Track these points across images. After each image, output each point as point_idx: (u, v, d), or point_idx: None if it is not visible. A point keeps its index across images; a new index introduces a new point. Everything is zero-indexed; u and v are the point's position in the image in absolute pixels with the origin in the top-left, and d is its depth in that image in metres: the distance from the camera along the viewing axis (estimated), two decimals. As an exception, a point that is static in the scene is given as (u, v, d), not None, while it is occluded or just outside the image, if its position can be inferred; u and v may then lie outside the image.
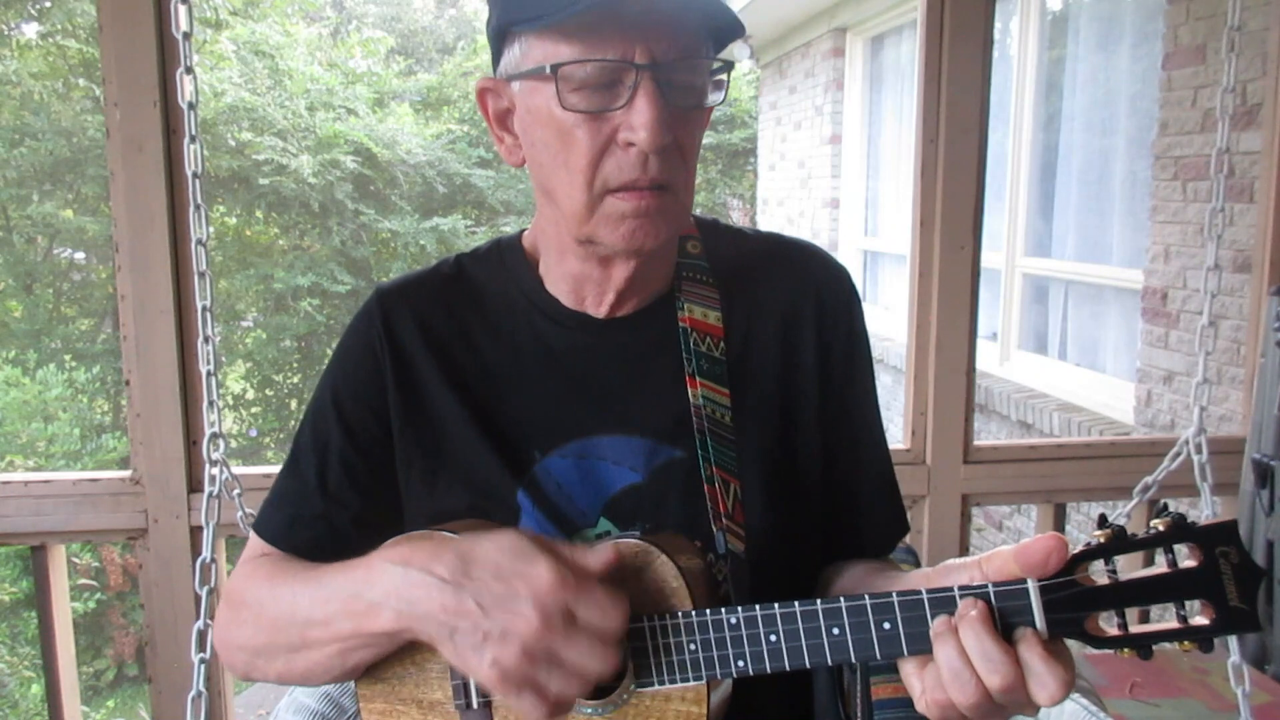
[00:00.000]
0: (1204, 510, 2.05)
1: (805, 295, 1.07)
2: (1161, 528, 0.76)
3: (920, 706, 0.81)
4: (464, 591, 0.82)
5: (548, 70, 0.89)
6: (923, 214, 2.35)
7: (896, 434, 6.02)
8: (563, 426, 1.01)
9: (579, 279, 1.02)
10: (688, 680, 0.88)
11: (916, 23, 2.40)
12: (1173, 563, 0.76)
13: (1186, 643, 0.76)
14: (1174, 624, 0.76)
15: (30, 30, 9.73)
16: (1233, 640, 1.94)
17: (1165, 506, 0.77)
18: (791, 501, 1.03)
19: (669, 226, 0.95)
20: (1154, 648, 0.78)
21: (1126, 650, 0.76)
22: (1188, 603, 0.76)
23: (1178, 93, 3.58)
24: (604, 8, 0.85)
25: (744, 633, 0.85)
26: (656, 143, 0.88)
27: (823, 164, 7.41)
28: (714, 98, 0.94)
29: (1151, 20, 3.93)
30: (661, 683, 0.88)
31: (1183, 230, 3.58)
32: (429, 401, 1.04)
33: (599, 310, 1.03)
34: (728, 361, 1.03)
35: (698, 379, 1.01)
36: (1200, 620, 0.76)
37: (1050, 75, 4.82)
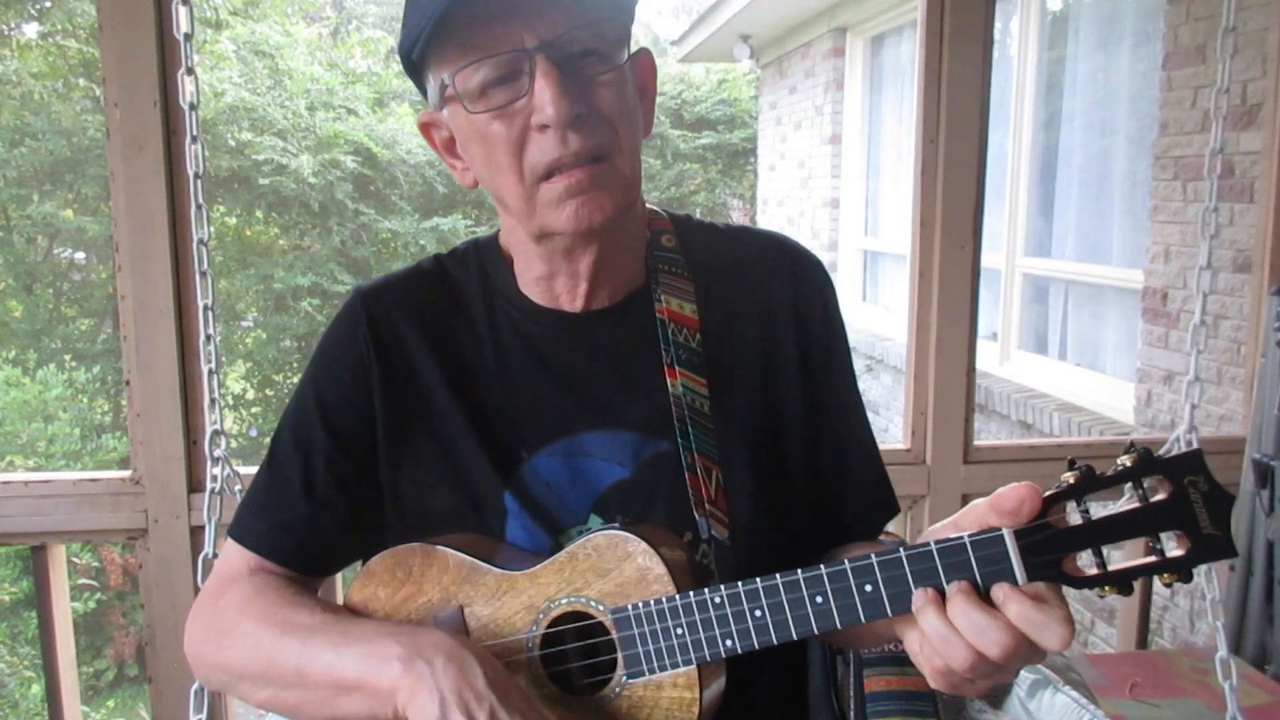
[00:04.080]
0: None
1: (780, 286, 1.07)
2: (1129, 463, 0.76)
3: (926, 674, 0.81)
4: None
5: (447, 81, 0.90)
6: (923, 214, 2.35)
7: (896, 434, 6.03)
8: (549, 425, 1.01)
9: (549, 277, 1.02)
10: (678, 666, 0.87)
11: (916, 23, 2.40)
12: (1143, 497, 0.76)
13: (1167, 575, 0.75)
14: (1152, 558, 0.76)
15: (30, 30, 9.74)
16: (1221, 635, 1.94)
17: (1132, 444, 0.77)
18: (775, 487, 1.03)
19: (613, 198, 0.94)
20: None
21: (1107, 588, 0.76)
22: (1163, 535, 0.76)
23: (1178, 93, 3.58)
24: (466, 7, 0.86)
25: (729, 610, 0.85)
26: (564, 116, 0.88)
27: (823, 164, 7.41)
28: (620, 57, 0.93)
29: (1151, 20, 3.93)
30: (652, 671, 0.88)
31: (1183, 230, 3.58)
32: (416, 402, 1.03)
33: (574, 304, 1.03)
34: (704, 352, 1.03)
35: (677, 368, 1.02)
36: (1176, 551, 0.76)
37: (1050, 75, 4.82)
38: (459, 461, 1.01)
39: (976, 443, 2.41)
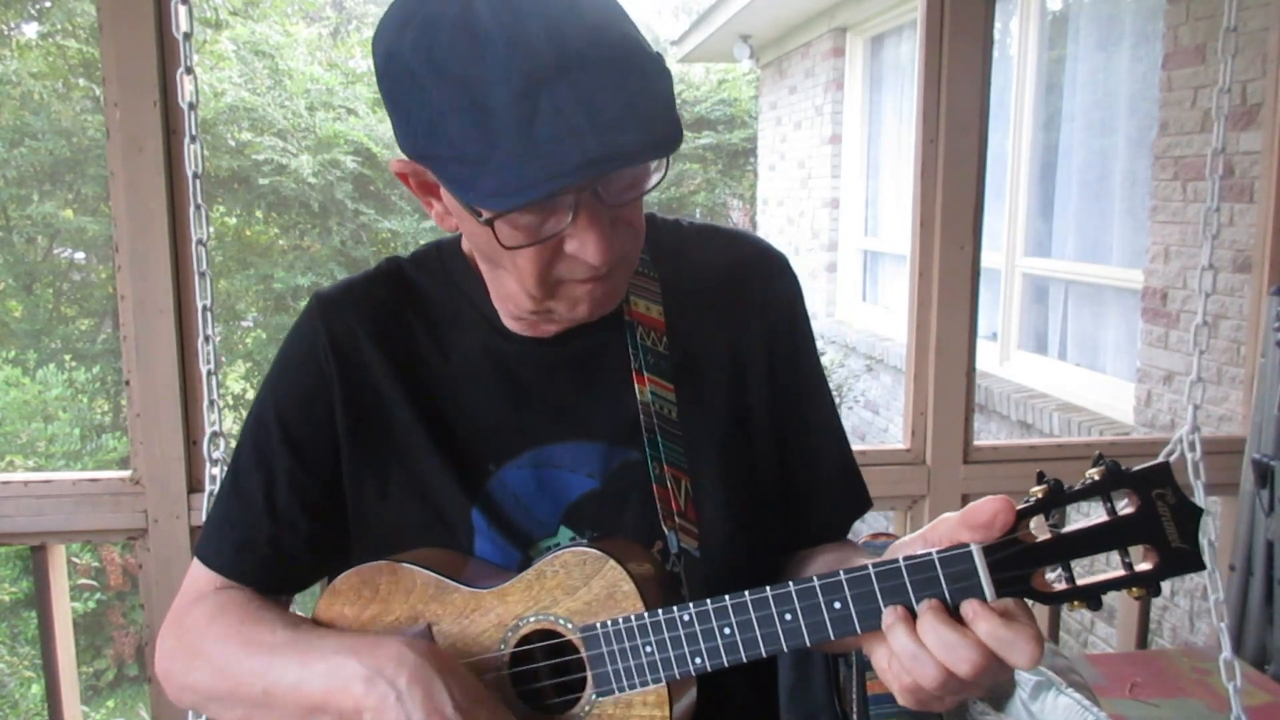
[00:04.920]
0: (1200, 508, 2.06)
1: (746, 285, 1.05)
2: (1097, 476, 0.75)
3: (894, 691, 0.80)
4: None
5: (481, 220, 0.83)
6: (923, 214, 2.35)
7: (896, 434, 6.04)
8: (517, 437, 0.99)
9: (528, 320, 0.98)
10: (647, 684, 0.87)
11: (916, 23, 2.40)
12: (1111, 510, 0.75)
13: (1135, 589, 0.75)
14: (1120, 572, 0.75)
15: (30, 30, 9.74)
16: (1226, 637, 1.94)
17: (1100, 456, 0.77)
18: (745, 493, 1.01)
19: (623, 289, 0.94)
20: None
21: (1076, 603, 0.76)
22: (1132, 549, 0.75)
23: (1178, 93, 3.58)
24: (545, 191, 0.77)
25: (698, 628, 0.84)
26: (607, 260, 0.84)
27: (823, 164, 7.41)
28: (655, 177, 0.88)
29: (1151, 20, 3.93)
30: (621, 689, 0.87)
31: (1183, 230, 3.58)
32: (378, 416, 0.99)
33: (546, 334, 1.00)
34: (671, 356, 1.01)
35: (645, 374, 0.99)
36: (1144, 565, 0.75)
37: (1050, 75, 4.83)
38: (424, 477, 0.98)
39: (976, 443, 2.41)
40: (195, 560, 1.04)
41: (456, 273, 1.03)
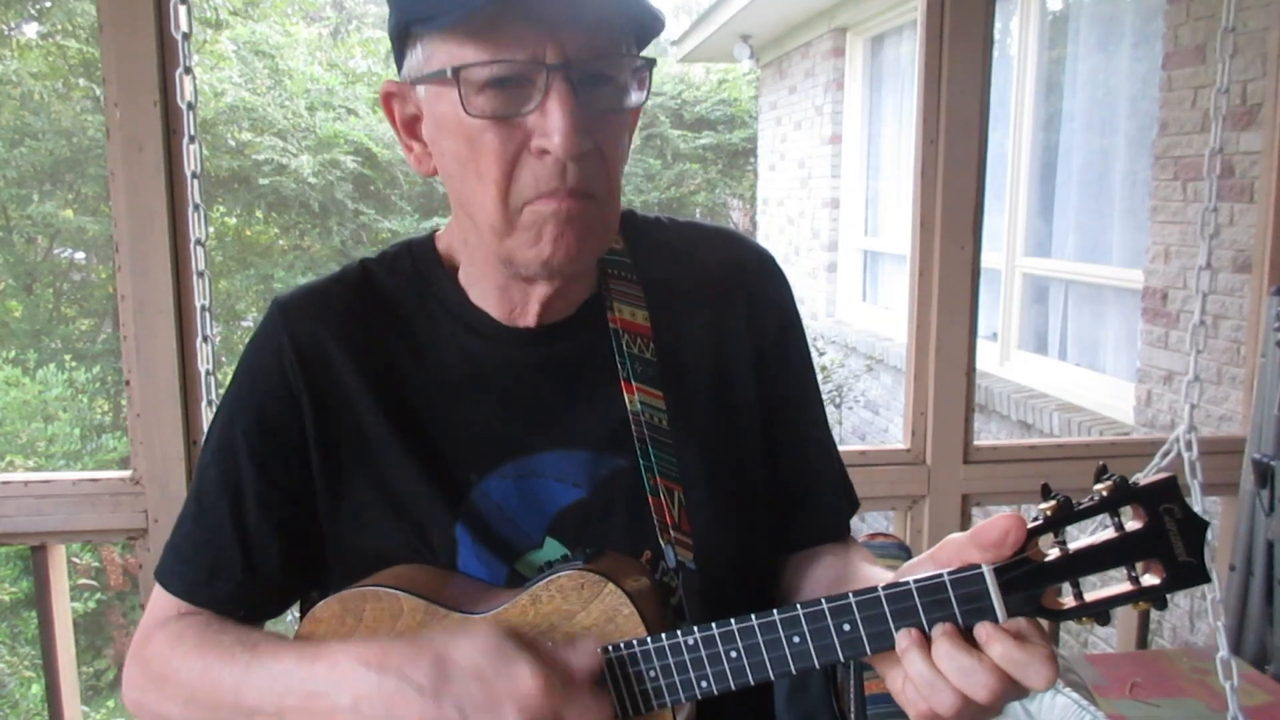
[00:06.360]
0: (1196, 508, 2.05)
1: (732, 284, 1.03)
2: (1105, 492, 0.75)
3: (911, 716, 0.80)
4: (444, 700, 0.79)
5: (449, 74, 0.82)
6: (923, 214, 2.35)
7: (896, 434, 6.03)
8: (498, 447, 0.95)
9: (504, 289, 0.95)
10: (651, 709, 0.85)
11: (916, 23, 2.40)
12: (1119, 526, 0.75)
13: (1142, 603, 0.76)
14: (1127, 586, 0.76)
15: (30, 30, 9.75)
16: (1223, 635, 1.94)
17: (1105, 468, 0.77)
18: (737, 500, 0.99)
19: (592, 239, 0.89)
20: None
21: (1085, 619, 0.76)
22: (1138, 563, 0.76)
23: (1178, 93, 3.58)
24: (506, 4, 0.79)
25: (703, 653, 0.82)
26: (572, 149, 0.82)
27: (823, 164, 7.41)
28: (636, 98, 0.87)
29: (1151, 20, 3.93)
30: (625, 715, 0.85)
31: (1183, 230, 3.58)
32: (352, 427, 0.95)
33: (526, 321, 0.96)
34: (658, 362, 0.98)
35: (633, 383, 0.96)
36: (1151, 580, 0.75)
37: (1050, 75, 4.83)
38: (403, 491, 0.94)
39: (976, 443, 2.41)
40: (156, 586, 0.99)
41: (428, 273, 0.99)
